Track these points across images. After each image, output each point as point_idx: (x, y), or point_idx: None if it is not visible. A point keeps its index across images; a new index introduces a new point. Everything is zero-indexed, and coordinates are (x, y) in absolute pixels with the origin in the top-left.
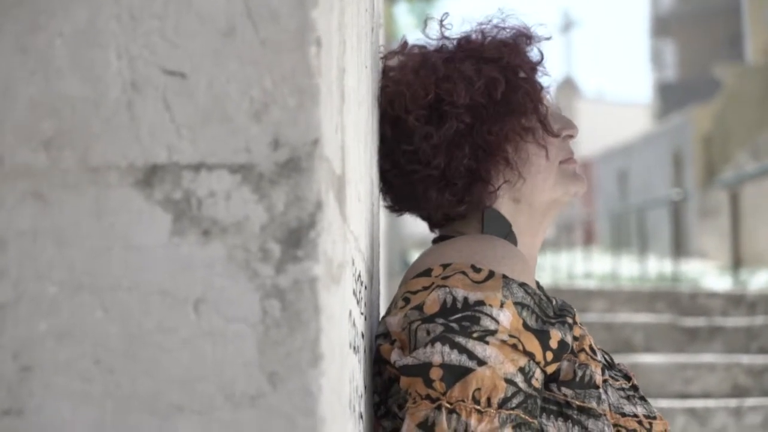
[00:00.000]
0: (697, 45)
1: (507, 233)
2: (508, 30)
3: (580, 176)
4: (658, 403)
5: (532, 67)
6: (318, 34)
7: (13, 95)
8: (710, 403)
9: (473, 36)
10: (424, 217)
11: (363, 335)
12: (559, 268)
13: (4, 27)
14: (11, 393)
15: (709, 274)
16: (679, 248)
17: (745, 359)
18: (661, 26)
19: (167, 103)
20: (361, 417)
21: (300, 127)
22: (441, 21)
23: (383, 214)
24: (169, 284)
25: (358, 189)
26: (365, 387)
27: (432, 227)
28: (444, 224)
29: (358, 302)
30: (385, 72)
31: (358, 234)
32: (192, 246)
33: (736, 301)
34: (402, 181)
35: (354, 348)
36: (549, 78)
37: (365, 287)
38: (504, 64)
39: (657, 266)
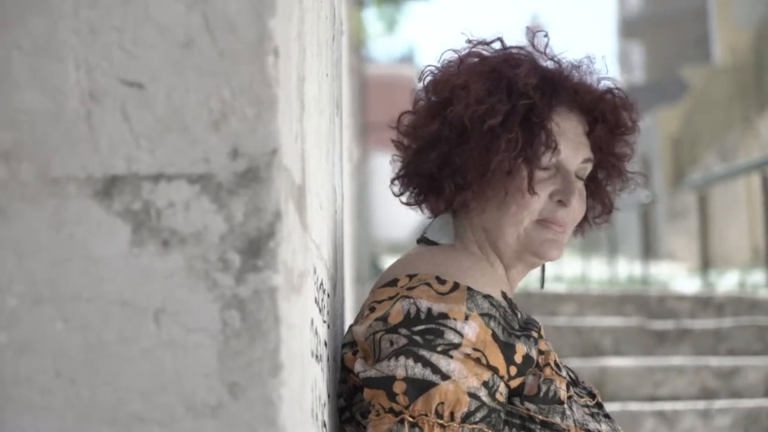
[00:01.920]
0: (664, 47)
1: (444, 243)
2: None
3: (554, 243)
4: (628, 407)
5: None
6: (276, 44)
7: None
8: (679, 405)
9: (517, 59)
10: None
11: (326, 343)
12: (530, 272)
13: None
14: None
15: (678, 276)
16: (649, 250)
17: (714, 361)
18: (629, 28)
19: (126, 114)
20: (325, 425)
21: (258, 137)
22: (546, 38)
23: (349, 220)
24: (128, 295)
25: (319, 197)
26: (329, 395)
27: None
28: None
29: (320, 310)
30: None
31: (320, 242)
32: (151, 256)
33: (704, 304)
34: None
35: (316, 357)
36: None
37: (328, 295)
38: (516, 100)
39: (626, 269)
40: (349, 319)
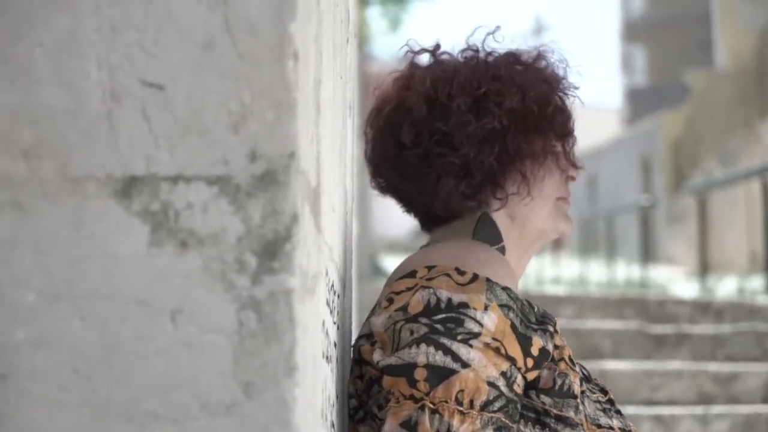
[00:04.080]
0: (667, 50)
1: (497, 244)
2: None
3: (570, 218)
4: (625, 410)
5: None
6: (296, 48)
7: None
8: (676, 410)
9: (523, 55)
10: (418, 211)
11: (335, 344)
12: (528, 273)
13: None
14: None
15: (676, 281)
16: (648, 254)
17: (712, 367)
18: (632, 31)
19: (146, 115)
20: (333, 426)
21: (277, 139)
22: (492, 33)
23: (355, 219)
24: (146, 294)
25: (332, 199)
26: (337, 396)
27: (424, 225)
28: (437, 223)
29: (331, 312)
30: (414, 64)
31: (332, 244)
32: (169, 257)
33: (704, 309)
34: (421, 162)
35: (327, 358)
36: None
37: (338, 296)
38: (555, 85)
39: (625, 272)
40: (356, 319)
